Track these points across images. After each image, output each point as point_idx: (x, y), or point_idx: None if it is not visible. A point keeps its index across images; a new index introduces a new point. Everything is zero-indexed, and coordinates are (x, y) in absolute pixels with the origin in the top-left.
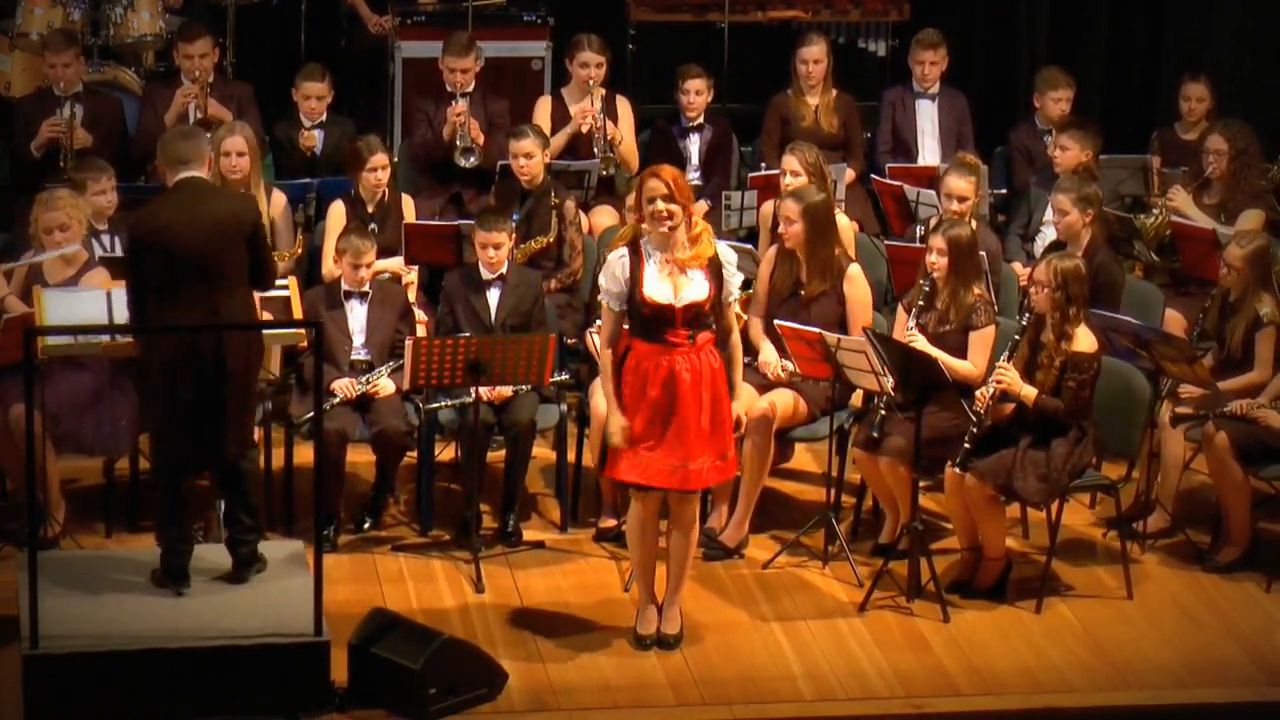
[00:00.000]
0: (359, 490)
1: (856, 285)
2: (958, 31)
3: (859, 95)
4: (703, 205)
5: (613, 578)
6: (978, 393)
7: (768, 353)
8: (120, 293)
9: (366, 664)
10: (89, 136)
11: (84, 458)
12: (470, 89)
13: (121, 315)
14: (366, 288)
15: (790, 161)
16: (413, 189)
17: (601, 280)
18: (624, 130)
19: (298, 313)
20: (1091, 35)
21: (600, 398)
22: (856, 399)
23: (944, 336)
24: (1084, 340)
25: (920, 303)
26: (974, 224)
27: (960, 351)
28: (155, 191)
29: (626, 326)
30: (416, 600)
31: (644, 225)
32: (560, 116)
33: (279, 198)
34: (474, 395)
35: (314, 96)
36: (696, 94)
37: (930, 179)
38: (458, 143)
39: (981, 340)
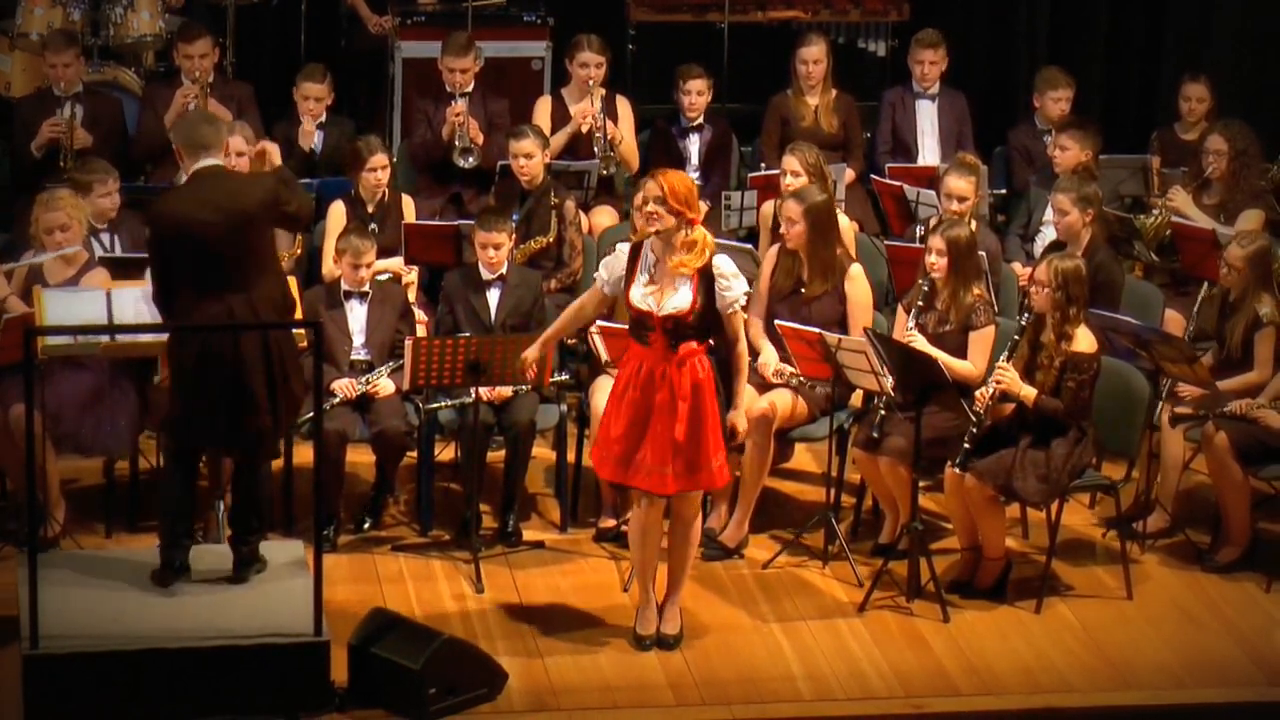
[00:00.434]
0: (359, 490)
1: (858, 285)
2: (958, 31)
3: (859, 95)
4: (702, 205)
5: (612, 578)
6: (977, 393)
7: (768, 354)
8: (120, 293)
9: (366, 664)
10: (89, 137)
11: (84, 458)
12: (469, 89)
13: (121, 316)
14: (366, 288)
15: (790, 162)
16: (413, 189)
17: (603, 260)
18: (624, 130)
19: (298, 313)
20: (1091, 35)
21: (601, 397)
22: (856, 399)
23: (943, 337)
24: (1084, 340)
25: (920, 303)
26: (974, 224)
27: (960, 352)
28: (156, 192)
29: (625, 327)
30: (416, 600)
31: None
32: (560, 116)
33: None
34: (474, 395)
35: (313, 97)
36: (698, 94)
37: (930, 179)
38: (456, 143)
39: (981, 340)
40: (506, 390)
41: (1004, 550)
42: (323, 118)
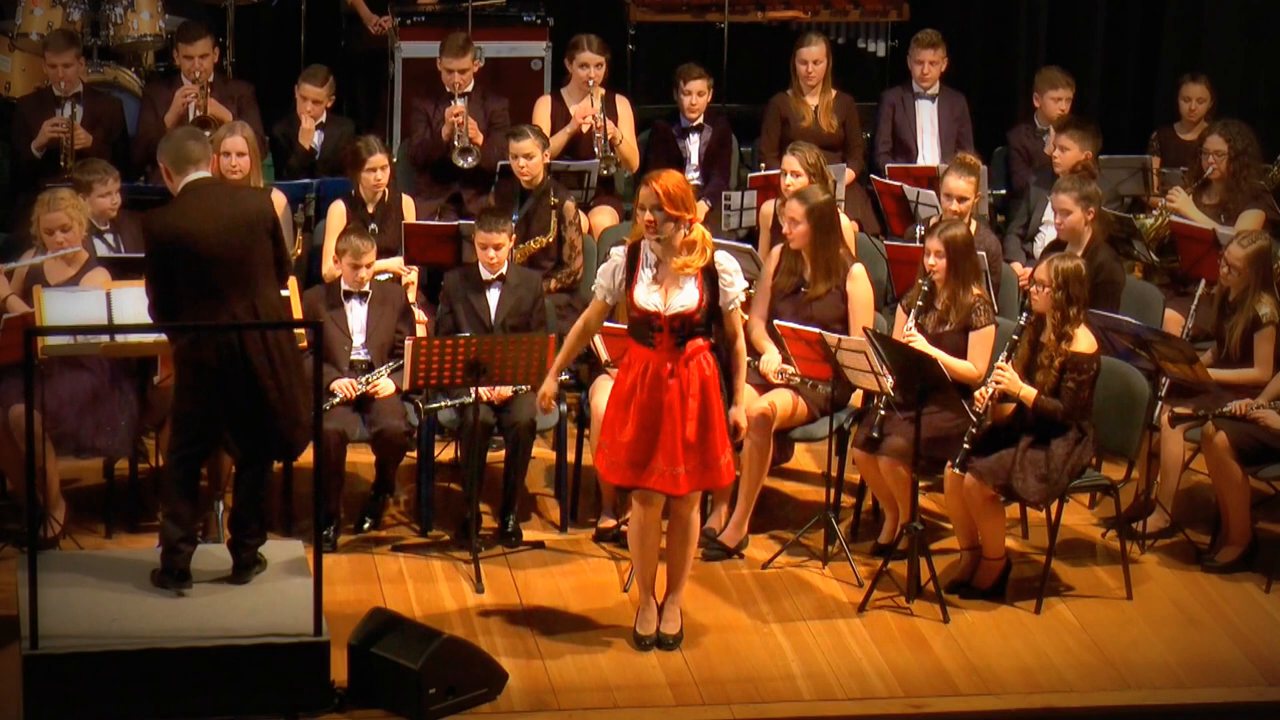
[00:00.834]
0: (359, 490)
1: (860, 285)
2: (957, 32)
3: (859, 95)
4: (703, 205)
5: (612, 578)
6: (977, 393)
7: (770, 355)
8: (120, 293)
9: (366, 664)
10: (89, 137)
11: (84, 458)
12: (469, 89)
13: (121, 316)
14: (366, 288)
15: (791, 162)
16: (413, 189)
17: (600, 269)
18: (624, 130)
19: (298, 313)
20: (1091, 35)
21: (601, 397)
22: (856, 399)
23: (943, 337)
24: (1083, 340)
25: (919, 303)
26: (974, 224)
27: (959, 352)
28: (157, 192)
29: (624, 327)
30: (416, 600)
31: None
32: (560, 116)
33: (279, 198)
34: (474, 395)
35: (313, 99)
36: (698, 95)
37: (930, 179)
38: (455, 143)
39: (981, 340)
40: (506, 390)
41: (1004, 550)
42: (322, 118)
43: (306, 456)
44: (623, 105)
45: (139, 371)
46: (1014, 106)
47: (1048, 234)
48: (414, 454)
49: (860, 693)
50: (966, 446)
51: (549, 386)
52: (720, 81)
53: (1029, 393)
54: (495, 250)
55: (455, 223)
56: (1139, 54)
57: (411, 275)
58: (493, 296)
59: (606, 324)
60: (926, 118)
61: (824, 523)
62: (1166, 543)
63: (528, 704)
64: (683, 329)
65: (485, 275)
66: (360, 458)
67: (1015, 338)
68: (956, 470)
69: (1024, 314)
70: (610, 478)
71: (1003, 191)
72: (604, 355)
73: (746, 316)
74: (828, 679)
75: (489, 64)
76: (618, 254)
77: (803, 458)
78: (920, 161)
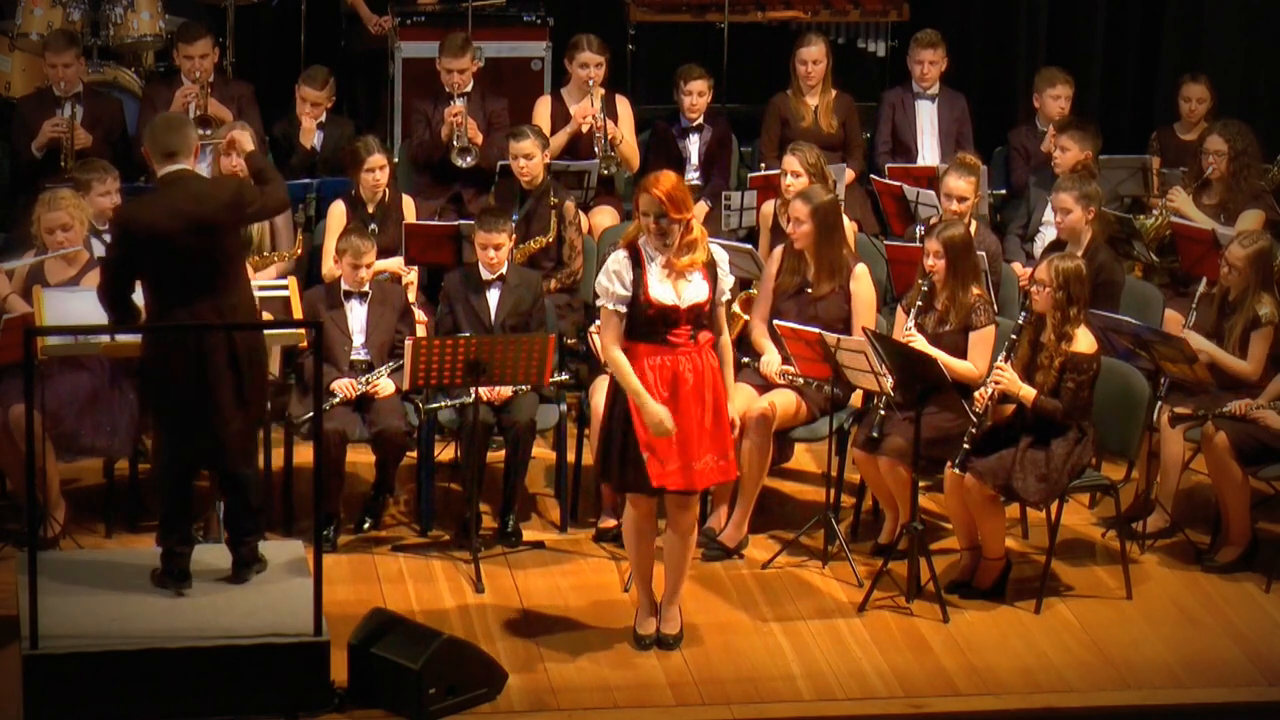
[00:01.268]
0: (359, 490)
1: (863, 284)
2: (957, 32)
3: (858, 95)
4: (702, 205)
5: (612, 578)
6: (977, 393)
7: (770, 356)
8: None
9: (366, 664)
10: (89, 137)
11: (84, 458)
12: (468, 89)
13: None
14: (366, 288)
15: (791, 162)
16: (413, 189)
17: (601, 282)
18: (624, 130)
19: (298, 313)
20: (1091, 35)
21: (600, 397)
22: (856, 399)
23: (943, 337)
24: (1083, 340)
25: (919, 303)
26: (974, 224)
27: (959, 352)
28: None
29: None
30: (416, 600)
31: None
32: (560, 116)
33: None
34: (474, 395)
35: (311, 101)
36: (698, 95)
37: (930, 179)
38: (454, 143)
39: (981, 340)
40: (506, 390)
41: (1004, 550)
42: (322, 118)
43: (307, 457)
44: (623, 105)
45: (139, 371)
46: (1014, 106)
47: (1048, 234)
48: (414, 454)
49: (860, 693)
50: (966, 446)
51: (660, 411)
52: (720, 81)
53: (1029, 393)
54: (495, 250)
55: (455, 223)
56: (1139, 54)
57: (411, 275)
58: (493, 296)
59: None
60: (926, 118)
61: (824, 523)
62: (1166, 543)
63: (528, 704)
64: (697, 320)
65: (485, 275)
66: (360, 458)
67: (1014, 337)
68: (956, 470)
69: (1024, 314)
70: (669, 484)
71: (1003, 191)
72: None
73: (747, 317)
74: (828, 679)
75: (489, 64)
76: (615, 259)
77: (803, 458)
78: (920, 161)
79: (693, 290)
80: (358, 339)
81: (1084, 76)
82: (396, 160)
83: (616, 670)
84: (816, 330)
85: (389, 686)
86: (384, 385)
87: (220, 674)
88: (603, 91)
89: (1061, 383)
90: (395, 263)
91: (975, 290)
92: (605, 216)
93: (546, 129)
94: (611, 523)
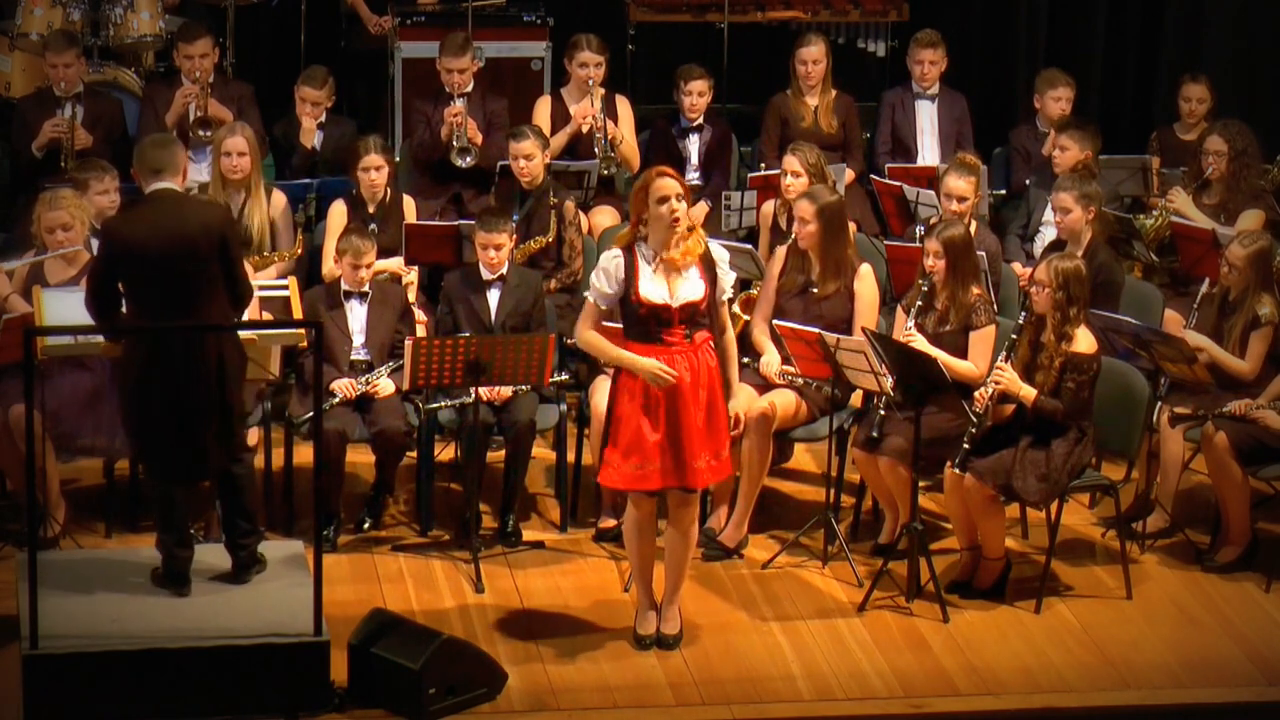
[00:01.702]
0: (359, 490)
1: (866, 284)
2: (957, 32)
3: (858, 95)
4: (703, 205)
5: (612, 578)
6: (977, 393)
7: (770, 356)
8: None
9: (366, 664)
10: (90, 137)
11: (84, 459)
12: (468, 89)
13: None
14: (366, 288)
15: (791, 162)
16: (413, 189)
17: (593, 279)
18: (624, 130)
19: (298, 313)
20: (1091, 35)
21: (600, 396)
22: (856, 399)
23: (943, 337)
24: (1083, 341)
25: (919, 303)
26: (974, 224)
27: (959, 352)
28: None
29: (620, 326)
30: (416, 600)
31: (641, 227)
32: (560, 116)
33: (279, 198)
34: (474, 395)
35: (311, 102)
36: (698, 95)
37: (930, 179)
38: (454, 143)
39: (981, 340)
40: (506, 390)
41: (1003, 550)
42: (322, 118)
43: (307, 457)
44: (623, 105)
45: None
46: (1014, 106)
47: (1047, 234)
48: (414, 454)
49: (860, 693)
50: (966, 446)
51: (652, 363)
52: (720, 82)
53: (1029, 393)
54: (495, 250)
55: (455, 223)
56: (1139, 54)
57: (411, 275)
58: (493, 296)
59: (608, 324)
60: (926, 118)
61: (824, 523)
62: (1166, 543)
63: (528, 704)
64: (691, 319)
65: (485, 275)
66: (360, 458)
67: (1014, 337)
68: (956, 470)
69: (1024, 314)
70: (628, 485)
71: (1003, 191)
72: None
73: (747, 317)
74: (828, 679)
75: (489, 64)
76: (609, 257)
77: (803, 458)
78: (920, 162)
79: (688, 288)
80: (358, 339)
81: (1084, 76)
82: (397, 160)
83: (616, 670)
84: (816, 330)
85: (389, 686)
86: (384, 385)
87: (220, 674)
88: (603, 91)
89: (1061, 383)
90: (395, 263)
91: (975, 290)
92: (605, 216)
93: (546, 129)
94: (611, 523)
